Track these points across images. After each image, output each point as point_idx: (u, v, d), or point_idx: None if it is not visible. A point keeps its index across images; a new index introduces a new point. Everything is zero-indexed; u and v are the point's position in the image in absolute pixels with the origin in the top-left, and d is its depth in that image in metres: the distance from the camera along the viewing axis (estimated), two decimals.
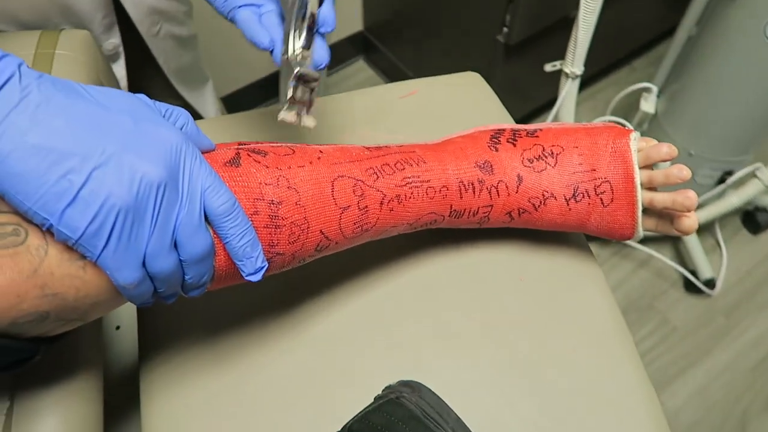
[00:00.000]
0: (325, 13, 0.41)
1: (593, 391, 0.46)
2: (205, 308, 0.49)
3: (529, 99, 1.43)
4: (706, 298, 1.32)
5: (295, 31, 0.41)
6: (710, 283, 1.28)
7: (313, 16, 0.41)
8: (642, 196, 0.45)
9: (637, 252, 1.35)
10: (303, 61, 0.41)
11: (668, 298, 1.32)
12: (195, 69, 0.85)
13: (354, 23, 1.57)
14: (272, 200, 0.35)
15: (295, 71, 0.39)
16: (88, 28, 0.68)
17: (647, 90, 1.22)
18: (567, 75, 1.03)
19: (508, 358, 0.47)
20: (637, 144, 0.45)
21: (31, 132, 0.27)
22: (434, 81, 0.66)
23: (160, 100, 0.89)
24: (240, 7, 0.44)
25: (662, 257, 1.28)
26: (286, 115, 0.41)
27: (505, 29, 1.15)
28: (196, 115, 0.87)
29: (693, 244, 1.31)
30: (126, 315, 0.70)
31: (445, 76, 0.67)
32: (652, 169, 0.46)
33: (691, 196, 0.42)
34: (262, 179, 0.36)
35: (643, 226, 0.46)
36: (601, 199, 0.46)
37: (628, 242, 1.31)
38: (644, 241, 1.34)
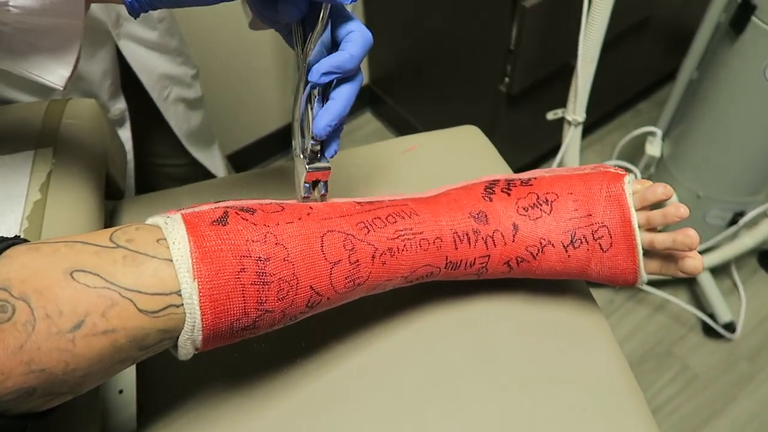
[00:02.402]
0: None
1: None
2: (202, 371, 0.48)
3: (533, 147, 1.44)
4: (727, 343, 1.28)
5: (304, 128, 0.41)
6: (730, 327, 1.25)
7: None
8: (642, 238, 0.44)
9: (652, 297, 1.32)
10: (314, 156, 0.42)
11: (687, 343, 1.29)
12: (203, 130, 0.87)
13: None
14: (259, 257, 0.35)
15: (307, 169, 0.41)
16: (96, 95, 0.70)
17: (652, 134, 1.23)
18: (569, 122, 1.03)
19: (513, 419, 0.46)
20: (631, 187, 0.45)
21: None
22: (433, 136, 0.67)
23: (169, 161, 0.90)
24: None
25: (678, 301, 1.25)
26: None
27: (507, 79, 1.17)
28: (207, 175, 0.88)
29: (709, 286, 1.28)
30: (129, 379, 0.69)
31: (444, 130, 0.68)
32: (650, 211, 0.45)
33: (691, 234, 0.41)
34: (248, 237, 0.36)
35: (646, 269, 0.45)
36: (600, 245, 0.45)
37: (643, 286, 1.28)
38: (659, 284, 1.31)
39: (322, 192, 0.43)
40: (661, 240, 0.43)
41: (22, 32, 0.39)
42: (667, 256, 0.45)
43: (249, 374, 0.48)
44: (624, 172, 0.46)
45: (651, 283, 1.30)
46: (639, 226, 0.44)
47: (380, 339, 0.50)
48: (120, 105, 0.73)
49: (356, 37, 0.38)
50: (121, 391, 0.69)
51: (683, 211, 0.42)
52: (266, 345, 0.49)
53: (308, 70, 0.39)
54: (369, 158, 0.64)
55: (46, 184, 0.52)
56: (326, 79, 0.38)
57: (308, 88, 0.40)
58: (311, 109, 0.41)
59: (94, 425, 0.45)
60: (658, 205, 0.45)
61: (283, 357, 0.49)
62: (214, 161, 0.89)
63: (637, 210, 0.45)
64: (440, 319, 0.51)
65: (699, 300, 1.34)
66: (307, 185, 0.42)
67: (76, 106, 0.60)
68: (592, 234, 0.45)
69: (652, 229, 0.45)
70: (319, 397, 0.47)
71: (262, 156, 1.55)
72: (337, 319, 0.50)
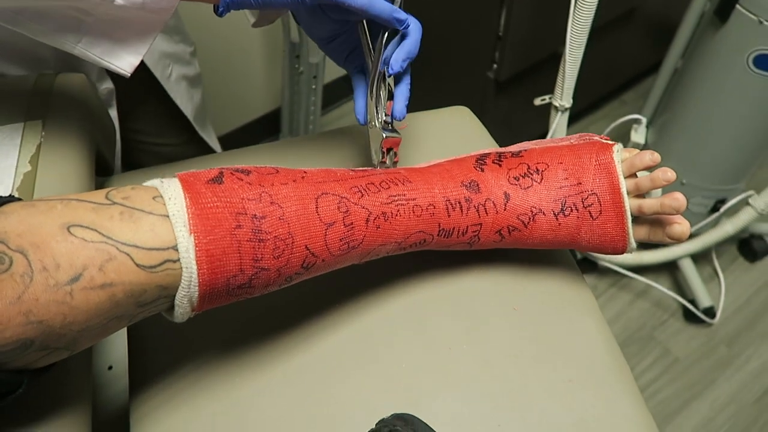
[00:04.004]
0: (398, 105, 0.49)
1: (591, 423, 0.45)
2: (195, 345, 0.48)
3: (520, 133, 1.45)
4: (707, 328, 1.31)
5: (378, 102, 0.48)
6: (710, 312, 1.28)
7: (391, 91, 0.49)
8: (630, 204, 0.45)
9: (635, 282, 1.35)
10: (386, 126, 0.49)
11: (668, 328, 1.31)
12: (203, 107, 0.87)
13: None
14: (255, 215, 0.36)
15: (384, 137, 0.48)
16: (86, 73, 0.69)
17: (637, 121, 1.24)
18: (556, 108, 1.04)
19: (502, 390, 0.47)
20: (620, 155, 0.46)
21: None
22: (424, 115, 0.67)
23: (164, 140, 0.89)
24: (356, 69, 0.52)
25: (660, 287, 1.27)
26: None
27: (495, 65, 1.18)
28: (208, 150, 0.88)
29: (690, 272, 1.31)
30: (118, 355, 0.69)
31: (435, 110, 0.68)
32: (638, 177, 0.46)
33: (678, 198, 0.42)
34: (244, 195, 0.36)
35: (634, 236, 0.46)
36: (590, 212, 0.46)
37: (626, 272, 1.30)
38: (642, 271, 1.33)
39: (395, 158, 0.50)
40: (649, 204, 0.44)
41: (102, 23, 0.40)
42: (655, 222, 0.46)
43: (241, 346, 0.48)
44: (613, 142, 0.47)
45: (634, 269, 1.32)
46: (627, 193, 0.45)
47: (372, 311, 0.50)
48: (108, 85, 0.72)
49: (413, 27, 0.47)
50: (110, 367, 0.69)
51: (670, 174, 0.43)
52: (258, 316, 0.49)
53: (383, 62, 0.48)
54: (360, 137, 0.65)
55: (36, 156, 0.51)
56: (404, 65, 0.47)
57: (381, 74, 0.48)
58: (383, 89, 0.48)
59: (85, 399, 0.45)
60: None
61: (275, 328, 0.49)
62: (211, 138, 0.89)
63: (625, 177, 0.45)
64: (432, 292, 0.52)
65: (680, 286, 1.36)
66: (383, 150, 0.49)
67: (65, 80, 0.59)
68: (582, 201, 0.46)
69: (639, 196, 0.46)
70: (310, 366, 0.47)
71: (249, 141, 1.54)
72: (329, 290, 0.50)
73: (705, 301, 1.28)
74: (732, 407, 1.20)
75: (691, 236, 1.26)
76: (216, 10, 0.43)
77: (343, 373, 0.47)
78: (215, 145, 0.90)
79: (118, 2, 0.38)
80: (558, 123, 1.06)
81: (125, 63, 0.43)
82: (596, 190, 0.45)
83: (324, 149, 0.63)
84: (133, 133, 0.81)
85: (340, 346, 0.48)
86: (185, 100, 0.80)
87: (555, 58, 1.05)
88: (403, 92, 0.49)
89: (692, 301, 1.30)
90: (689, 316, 1.31)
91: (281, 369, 0.47)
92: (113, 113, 0.75)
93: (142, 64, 0.73)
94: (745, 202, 1.20)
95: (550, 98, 1.05)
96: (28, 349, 0.30)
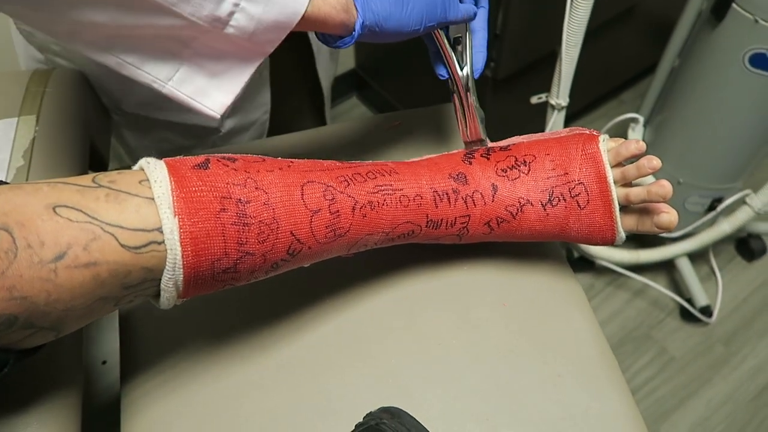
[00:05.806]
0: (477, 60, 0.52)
1: (579, 417, 0.46)
2: (185, 337, 0.49)
3: (517, 131, 1.44)
4: (704, 327, 1.31)
5: (462, 65, 0.52)
6: (707, 311, 1.28)
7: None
8: (617, 193, 0.46)
9: (632, 282, 1.35)
10: (471, 95, 0.52)
11: (665, 327, 1.31)
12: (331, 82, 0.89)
13: (347, 62, 1.61)
14: (240, 199, 0.36)
15: (479, 117, 0.52)
16: None
17: (634, 120, 1.24)
18: (553, 107, 1.05)
19: (491, 384, 0.47)
20: (606, 145, 0.46)
21: None
22: (417, 112, 0.68)
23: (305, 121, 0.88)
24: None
25: (657, 286, 1.27)
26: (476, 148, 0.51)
27: (492, 64, 1.18)
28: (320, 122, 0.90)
29: (687, 271, 1.31)
30: (112, 350, 0.70)
31: (429, 107, 0.69)
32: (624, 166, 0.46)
33: (665, 185, 0.42)
34: (229, 180, 0.36)
35: (623, 226, 0.47)
36: (577, 202, 0.46)
37: (623, 271, 1.30)
38: (639, 270, 1.33)
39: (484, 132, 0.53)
40: (636, 193, 0.44)
41: (199, 56, 0.38)
42: (643, 212, 0.46)
43: (230, 339, 0.49)
44: (599, 133, 0.47)
45: (631, 268, 1.32)
46: (614, 182, 0.45)
47: (362, 305, 0.51)
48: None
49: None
50: (104, 362, 0.69)
51: (656, 162, 0.43)
52: (247, 309, 0.50)
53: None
54: (354, 133, 0.65)
55: (29, 151, 0.52)
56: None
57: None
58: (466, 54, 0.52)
59: (76, 392, 0.45)
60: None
61: (264, 321, 0.49)
62: (327, 109, 0.91)
63: (612, 167, 0.46)
64: (422, 287, 0.52)
65: (677, 285, 1.36)
66: (482, 127, 0.53)
67: (60, 76, 0.60)
68: (569, 191, 0.46)
69: (627, 185, 0.46)
70: (299, 359, 0.48)
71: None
72: (320, 283, 0.51)
73: (702, 300, 1.28)
74: (728, 406, 1.20)
75: (688, 235, 1.26)
76: (329, 42, 0.43)
77: (333, 366, 0.47)
78: (328, 117, 0.91)
79: (228, 31, 0.36)
80: (554, 121, 1.06)
81: (216, 103, 0.40)
82: (583, 179, 0.46)
83: (322, 145, 0.63)
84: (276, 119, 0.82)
85: (329, 340, 0.49)
86: (324, 70, 0.82)
87: (553, 57, 1.05)
88: (482, 51, 0.53)
89: (689, 300, 1.30)
90: (686, 315, 1.31)
91: (270, 362, 0.47)
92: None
93: (303, 35, 0.73)
94: (742, 201, 1.20)
95: (546, 97, 1.05)
96: (12, 326, 0.30)
